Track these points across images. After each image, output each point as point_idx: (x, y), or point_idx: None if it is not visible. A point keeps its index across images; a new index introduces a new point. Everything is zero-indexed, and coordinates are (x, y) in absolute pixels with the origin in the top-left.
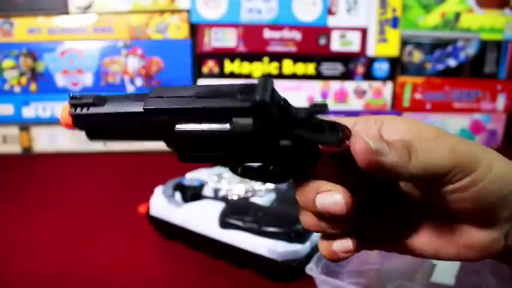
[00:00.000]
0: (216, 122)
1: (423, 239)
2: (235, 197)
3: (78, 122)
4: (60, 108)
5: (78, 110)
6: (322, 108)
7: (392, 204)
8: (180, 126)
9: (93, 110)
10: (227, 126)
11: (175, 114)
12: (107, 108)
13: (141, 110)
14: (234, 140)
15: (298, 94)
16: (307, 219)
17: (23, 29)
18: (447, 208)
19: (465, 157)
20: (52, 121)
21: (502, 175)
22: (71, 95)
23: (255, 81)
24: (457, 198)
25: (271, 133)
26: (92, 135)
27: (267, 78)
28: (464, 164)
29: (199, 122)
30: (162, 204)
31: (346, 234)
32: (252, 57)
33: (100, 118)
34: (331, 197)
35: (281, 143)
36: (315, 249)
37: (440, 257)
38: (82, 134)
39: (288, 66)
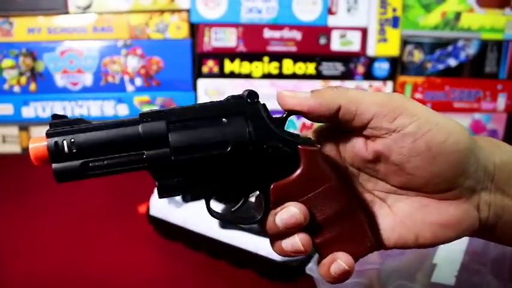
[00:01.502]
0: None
1: (400, 229)
2: None
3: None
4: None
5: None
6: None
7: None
8: (174, 136)
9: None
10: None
11: (173, 120)
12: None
13: (138, 119)
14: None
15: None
16: (280, 247)
17: (23, 28)
18: (402, 176)
19: (391, 110)
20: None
21: (450, 145)
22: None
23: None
24: (397, 152)
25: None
26: (71, 165)
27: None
28: (390, 115)
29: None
30: (162, 204)
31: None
32: (252, 57)
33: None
34: (287, 211)
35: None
36: (315, 250)
37: (420, 244)
38: None
39: (288, 66)
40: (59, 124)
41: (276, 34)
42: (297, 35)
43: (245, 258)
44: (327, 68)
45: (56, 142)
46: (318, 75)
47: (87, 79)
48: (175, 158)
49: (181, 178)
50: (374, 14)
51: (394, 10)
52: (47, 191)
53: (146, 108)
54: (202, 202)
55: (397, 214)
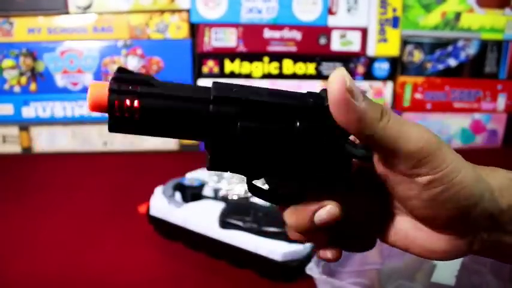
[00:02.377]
0: (282, 122)
1: (398, 234)
2: (235, 197)
3: (119, 100)
4: (91, 84)
5: (123, 87)
6: None
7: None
8: (244, 123)
9: (144, 89)
10: (295, 124)
11: (246, 106)
12: (164, 90)
13: (210, 97)
14: (298, 141)
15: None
16: (296, 235)
17: (23, 28)
18: (410, 206)
19: (435, 150)
20: (52, 121)
21: (469, 184)
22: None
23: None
24: (422, 195)
25: (332, 142)
26: (127, 125)
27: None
28: (432, 156)
29: (266, 120)
30: (162, 204)
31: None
32: (252, 57)
33: (153, 101)
34: (325, 210)
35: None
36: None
37: (409, 252)
38: (82, 134)
39: (288, 66)
40: (124, 79)
41: (276, 34)
42: (297, 35)
43: (245, 258)
44: (327, 68)
45: (119, 100)
46: (318, 75)
47: (88, 79)
48: (240, 134)
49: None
50: (374, 14)
51: (394, 10)
52: (47, 191)
53: None
54: (202, 202)
55: (395, 224)
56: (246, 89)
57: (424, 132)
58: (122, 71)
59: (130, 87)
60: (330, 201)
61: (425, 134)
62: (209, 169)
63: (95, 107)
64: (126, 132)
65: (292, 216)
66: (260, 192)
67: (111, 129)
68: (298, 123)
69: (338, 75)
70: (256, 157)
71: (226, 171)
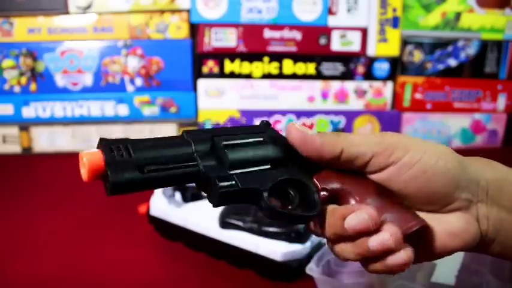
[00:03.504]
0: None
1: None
2: None
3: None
4: (85, 154)
5: (116, 153)
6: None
7: None
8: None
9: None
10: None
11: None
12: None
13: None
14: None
15: (298, 94)
16: (343, 248)
17: (23, 29)
18: (404, 199)
19: (387, 147)
20: (52, 121)
21: (441, 166)
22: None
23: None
24: (397, 181)
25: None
26: (122, 184)
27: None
28: (386, 152)
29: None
30: (162, 204)
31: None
32: (252, 57)
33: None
34: (356, 215)
35: None
36: (315, 249)
37: (448, 248)
38: (82, 134)
39: (288, 66)
40: (108, 141)
41: (276, 34)
42: (297, 35)
43: (245, 258)
44: (327, 68)
45: (110, 148)
46: (318, 75)
47: (88, 79)
48: (224, 147)
49: (241, 174)
50: (374, 14)
51: (394, 10)
52: (47, 191)
53: (147, 108)
54: (202, 202)
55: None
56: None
57: (374, 144)
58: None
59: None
60: (360, 206)
61: (376, 145)
62: (215, 206)
63: (93, 173)
64: (127, 191)
65: (326, 226)
66: (277, 213)
67: (114, 188)
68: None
69: (294, 133)
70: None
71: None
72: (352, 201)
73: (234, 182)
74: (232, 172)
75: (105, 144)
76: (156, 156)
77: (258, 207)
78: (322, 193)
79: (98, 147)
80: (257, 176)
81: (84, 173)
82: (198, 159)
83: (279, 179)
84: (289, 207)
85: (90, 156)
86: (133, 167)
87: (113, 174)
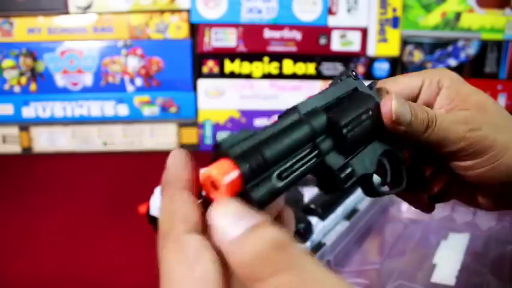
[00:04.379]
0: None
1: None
2: None
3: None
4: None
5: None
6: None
7: None
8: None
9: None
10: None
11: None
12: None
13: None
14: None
15: (298, 94)
16: None
17: (23, 28)
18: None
19: (477, 142)
20: (52, 121)
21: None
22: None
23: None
24: (471, 174)
25: None
26: (267, 196)
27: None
28: (475, 147)
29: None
30: None
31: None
32: (252, 57)
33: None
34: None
35: None
36: (315, 250)
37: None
38: (82, 134)
39: (288, 66)
40: (229, 144)
41: (276, 34)
42: (297, 35)
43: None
44: (327, 68)
45: (248, 165)
46: (318, 75)
47: (88, 79)
48: (346, 132)
49: (352, 157)
50: (374, 14)
51: (394, 10)
52: (47, 191)
53: (147, 108)
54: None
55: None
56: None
57: (465, 132)
58: (216, 147)
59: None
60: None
61: (467, 134)
62: (330, 194)
63: (231, 191)
64: (270, 203)
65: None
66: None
67: (261, 203)
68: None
69: (385, 108)
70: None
71: (354, 182)
72: None
73: (350, 171)
74: (348, 159)
75: (232, 152)
76: (284, 154)
77: (361, 188)
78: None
79: (221, 155)
80: (363, 156)
81: (216, 195)
82: (321, 149)
83: (379, 156)
84: (387, 183)
85: (226, 176)
86: (270, 177)
87: (255, 192)
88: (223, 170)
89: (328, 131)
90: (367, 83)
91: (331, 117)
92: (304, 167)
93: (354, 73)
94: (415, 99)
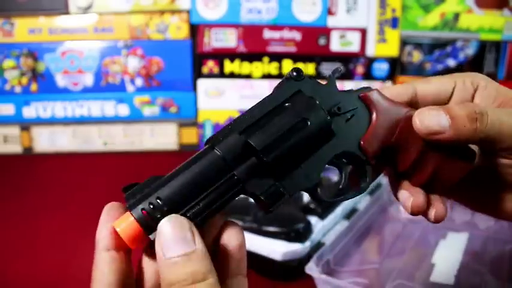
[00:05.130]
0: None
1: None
2: None
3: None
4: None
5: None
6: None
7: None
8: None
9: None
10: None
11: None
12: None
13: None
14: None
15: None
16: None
17: (24, 29)
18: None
19: None
20: (52, 121)
21: None
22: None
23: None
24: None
25: None
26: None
27: None
28: None
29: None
30: None
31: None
32: (252, 57)
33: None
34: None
35: None
36: (314, 249)
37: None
38: (82, 134)
39: (288, 66)
40: (133, 193)
41: (276, 35)
42: (297, 35)
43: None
44: (327, 68)
45: (142, 209)
46: (318, 76)
47: (88, 79)
48: (267, 158)
49: (281, 177)
50: (373, 15)
51: (393, 11)
52: (48, 190)
53: (147, 108)
54: None
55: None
56: (235, 122)
57: None
58: (126, 190)
59: (141, 193)
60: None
61: None
62: (269, 211)
63: (132, 240)
64: None
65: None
66: (330, 198)
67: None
68: (286, 104)
69: (417, 125)
70: (289, 162)
71: (285, 198)
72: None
73: (280, 190)
74: (277, 180)
75: (132, 203)
76: (188, 190)
77: (310, 197)
78: (372, 162)
79: (127, 207)
80: (306, 167)
81: (128, 243)
82: (239, 177)
83: (325, 163)
84: (340, 186)
85: (125, 230)
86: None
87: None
88: (122, 220)
89: (246, 157)
90: (364, 84)
91: (248, 143)
92: (224, 198)
93: (296, 73)
94: (447, 101)
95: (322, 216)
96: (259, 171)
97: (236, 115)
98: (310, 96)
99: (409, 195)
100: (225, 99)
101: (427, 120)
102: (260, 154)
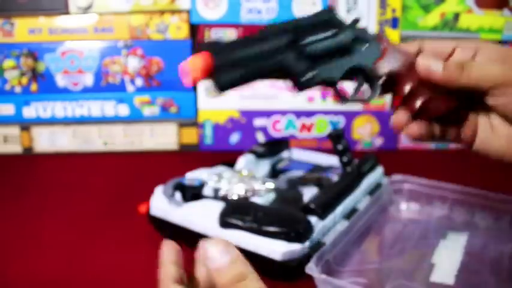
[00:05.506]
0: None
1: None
2: (235, 197)
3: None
4: (190, 60)
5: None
6: None
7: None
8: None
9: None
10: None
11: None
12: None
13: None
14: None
15: (298, 94)
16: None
17: (24, 29)
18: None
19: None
20: (52, 121)
21: None
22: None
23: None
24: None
25: None
26: (228, 82)
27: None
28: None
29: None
30: (162, 204)
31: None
32: None
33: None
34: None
35: None
36: (314, 249)
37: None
38: (82, 134)
39: None
40: (211, 42)
41: None
42: None
43: (245, 257)
44: None
45: (214, 50)
46: None
47: (88, 79)
48: (306, 46)
49: (318, 65)
50: (373, 15)
51: (394, 11)
52: (48, 191)
53: (147, 108)
54: (202, 202)
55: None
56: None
57: (504, 70)
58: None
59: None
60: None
61: (506, 72)
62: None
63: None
64: (233, 86)
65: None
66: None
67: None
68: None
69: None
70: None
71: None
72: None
73: (313, 72)
74: (311, 64)
75: (209, 47)
76: (251, 57)
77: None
78: (382, 79)
79: (200, 50)
80: (331, 66)
81: (194, 73)
82: (282, 53)
83: (346, 69)
84: (356, 93)
85: (198, 60)
86: (234, 67)
87: (221, 76)
88: (198, 57)
89: (290, 43)
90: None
91: (296, 35)
92: (271, 63)
93: (330, 9)
94: (446, 58)
95: (322, 216)
96: (300, 57)
97: (236, 115)
98: (340, 21)
99: (397, 115)
100: (225, 99)
101: (427, 62)
102: (304, 45)
